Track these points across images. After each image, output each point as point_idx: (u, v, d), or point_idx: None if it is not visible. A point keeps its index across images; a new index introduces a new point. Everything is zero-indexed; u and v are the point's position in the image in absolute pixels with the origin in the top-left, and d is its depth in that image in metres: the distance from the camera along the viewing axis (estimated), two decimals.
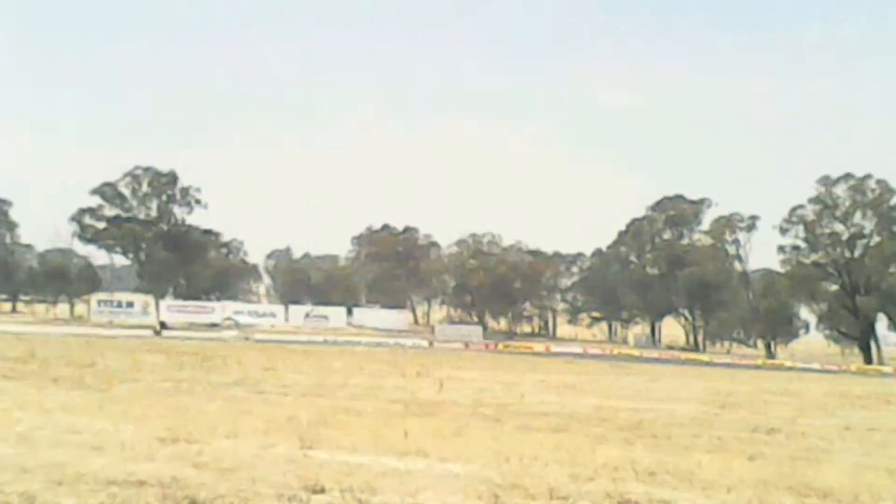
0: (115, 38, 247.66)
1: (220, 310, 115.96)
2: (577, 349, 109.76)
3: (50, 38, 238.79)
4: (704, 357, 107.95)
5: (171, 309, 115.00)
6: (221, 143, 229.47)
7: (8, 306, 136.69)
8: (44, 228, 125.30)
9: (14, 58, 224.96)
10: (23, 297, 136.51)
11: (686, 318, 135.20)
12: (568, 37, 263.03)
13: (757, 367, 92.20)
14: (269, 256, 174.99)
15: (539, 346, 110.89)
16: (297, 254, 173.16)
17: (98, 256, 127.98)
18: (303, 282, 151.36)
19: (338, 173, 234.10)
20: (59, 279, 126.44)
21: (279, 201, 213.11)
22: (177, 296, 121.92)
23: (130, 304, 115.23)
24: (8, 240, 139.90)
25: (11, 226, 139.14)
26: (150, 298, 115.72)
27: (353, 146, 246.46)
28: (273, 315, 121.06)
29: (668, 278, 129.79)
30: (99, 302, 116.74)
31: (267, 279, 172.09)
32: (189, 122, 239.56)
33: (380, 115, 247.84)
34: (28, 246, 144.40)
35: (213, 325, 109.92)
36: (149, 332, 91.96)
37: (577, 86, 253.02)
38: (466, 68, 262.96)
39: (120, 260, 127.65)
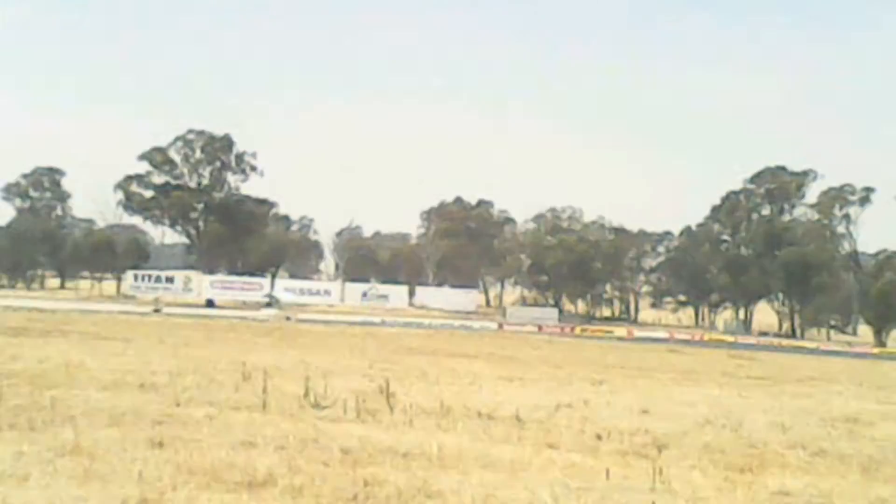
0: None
1: (269, 286, 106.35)
2: (662, 334, 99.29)
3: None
4: (809, 344, 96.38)
5: (216, 285, 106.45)
6: (283, 114, 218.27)
7: (56, 282, 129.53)
8: (94, 200, 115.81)
9: (63, 22, 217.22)
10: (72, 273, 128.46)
11: (781, 303, 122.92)
12: (659, 14, 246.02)
13: (876, 356, 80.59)
14: (338, 234, 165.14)
15: (620, 330, 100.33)
16: (368, 232, 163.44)
17: (155, 233, 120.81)
18: (368, 259, 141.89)
19: (410, 146, 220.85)
20: (106, 254, 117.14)
21: (347, 175, 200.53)
22: (232, 273, 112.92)
23: (170, 280, 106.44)
24: (59, 211, 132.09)
25: (63, 196, 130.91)
26: (192, 273, 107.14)
27: (424, 118, 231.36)
28: (328, 293, 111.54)
29: (765, 259, 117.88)
30: (136, 276, 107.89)
31: (330, 256, 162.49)
32: (247, 88, 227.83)
33: (451, 89, 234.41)
34: (89, 220, 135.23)
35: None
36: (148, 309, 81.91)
37: (665, 63, 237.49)
38: (545, 55, 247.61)
39: (175, 236, 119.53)
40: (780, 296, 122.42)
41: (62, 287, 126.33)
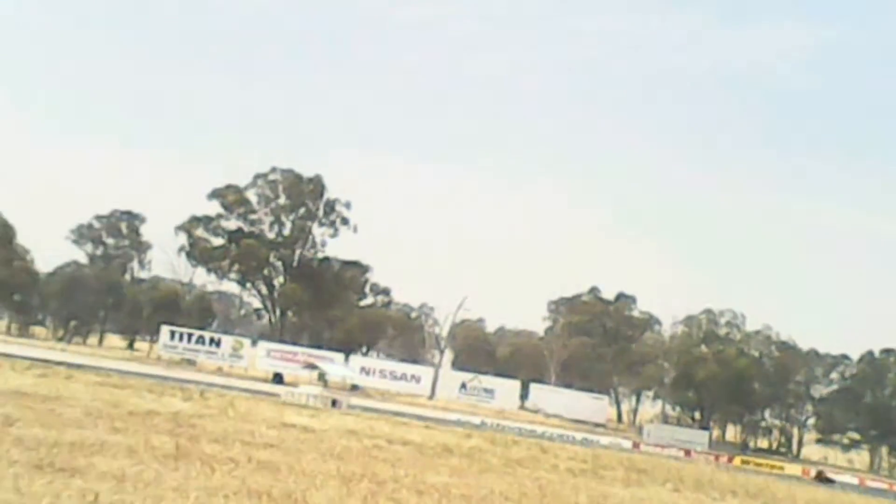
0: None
1: (341, 363, 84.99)
2: (850, 479, 76.56)
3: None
4: None
5: (274, 354, 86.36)
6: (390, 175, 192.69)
7: (122, 343, 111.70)
8: (164, 250, 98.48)
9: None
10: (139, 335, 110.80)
11: None
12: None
13: None
14: (456, 325, 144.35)
15: (793, 468, 77.82)
16: (492, 326, 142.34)
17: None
18: (483, 352, 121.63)
19: (540, 229, 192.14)
20: (169, 312, 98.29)
21: (463, 255, 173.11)
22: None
23: (216, 342, 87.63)
24: (135, 263, 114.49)
25: (143, 247, 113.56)
26: (244, 340, 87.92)
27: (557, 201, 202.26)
28: (416, 380, 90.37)
29: None
30: (172, 334, 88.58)
31: (441, 344, 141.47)
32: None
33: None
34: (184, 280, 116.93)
35: None
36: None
37: None
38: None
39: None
40: None
41: (130, 347, 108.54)
